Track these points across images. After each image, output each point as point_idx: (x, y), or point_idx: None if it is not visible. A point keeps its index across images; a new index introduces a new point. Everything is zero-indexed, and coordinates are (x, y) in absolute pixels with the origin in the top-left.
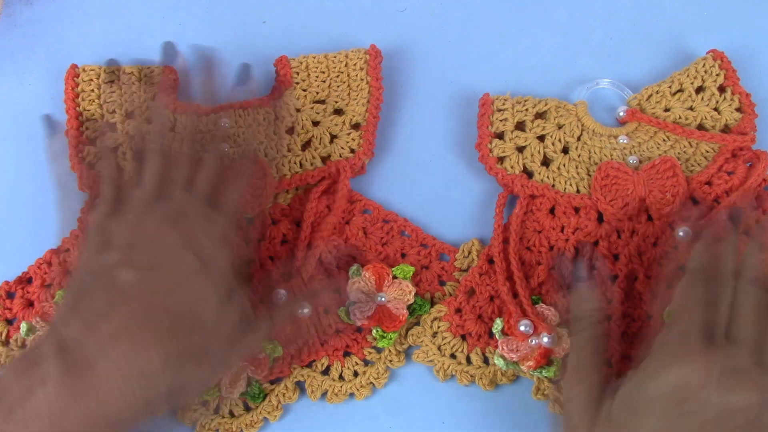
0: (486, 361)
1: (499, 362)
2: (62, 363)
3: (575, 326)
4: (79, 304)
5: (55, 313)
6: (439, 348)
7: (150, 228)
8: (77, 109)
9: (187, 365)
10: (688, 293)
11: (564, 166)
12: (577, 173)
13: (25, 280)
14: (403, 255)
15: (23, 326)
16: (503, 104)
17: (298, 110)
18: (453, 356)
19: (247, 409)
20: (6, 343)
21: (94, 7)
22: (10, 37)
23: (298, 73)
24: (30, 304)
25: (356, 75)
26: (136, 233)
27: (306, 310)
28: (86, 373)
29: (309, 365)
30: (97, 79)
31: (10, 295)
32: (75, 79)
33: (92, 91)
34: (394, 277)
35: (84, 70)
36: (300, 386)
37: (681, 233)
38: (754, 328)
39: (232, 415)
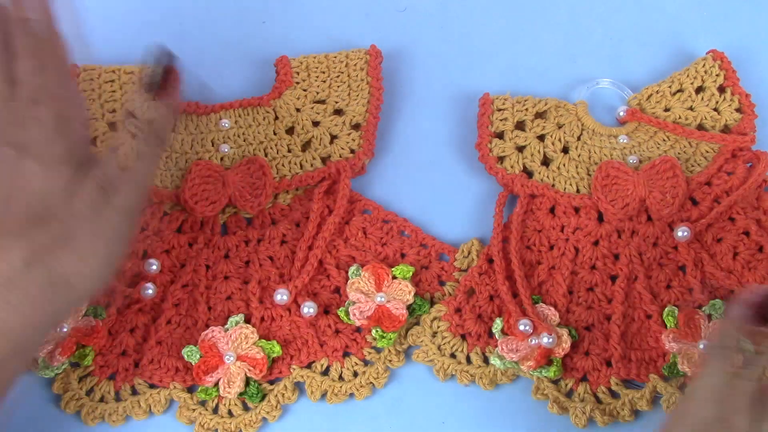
0: (486, 360)
1: (495, 362)
2: None
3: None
4: None
5: None
6: (438, 348)
7: None
8: None
9: (54, 253)
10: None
11: (564, 165)
12: (577, 173)
13: None
14: (402, 255)
15: None
16: (503, 104)
17: (298, 110)
18: (453, 356)
19: (246, 409)
20: None
21: (94, 7)
22: None
23: (298, 73)
24: None
25: (356, 75)
26: None
27: (311, 311)
28: None
29: (308, 366)
30: (98, 78)
31: None
32: (75, 78)
33: (92, 90)
34: (394, 278)
35: (84, 70)
36: (300, 387)
37: (680, 233)
38: None
39: (231, 414)
